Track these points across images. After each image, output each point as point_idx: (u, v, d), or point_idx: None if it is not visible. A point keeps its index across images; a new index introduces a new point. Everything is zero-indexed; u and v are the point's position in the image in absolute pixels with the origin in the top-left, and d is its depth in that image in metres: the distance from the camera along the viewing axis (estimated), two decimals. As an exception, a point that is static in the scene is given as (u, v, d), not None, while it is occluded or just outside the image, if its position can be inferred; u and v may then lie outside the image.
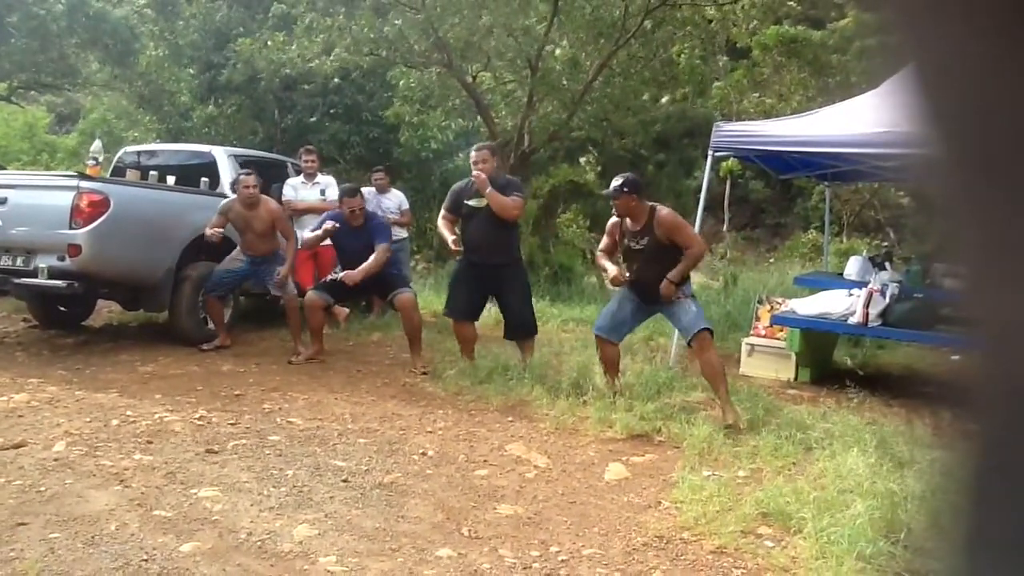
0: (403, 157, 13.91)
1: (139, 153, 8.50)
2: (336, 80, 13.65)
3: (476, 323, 6.00)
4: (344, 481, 3.64)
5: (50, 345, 6.58)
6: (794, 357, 6.39)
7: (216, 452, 3.94)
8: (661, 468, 4.09)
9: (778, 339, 6.52)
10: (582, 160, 17.17)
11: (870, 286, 5.99)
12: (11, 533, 2.90)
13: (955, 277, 0.43)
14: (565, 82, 11.80)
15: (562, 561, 2.96)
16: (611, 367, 5.18)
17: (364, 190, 6.64)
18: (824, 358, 6.76)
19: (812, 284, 7.22)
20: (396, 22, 11.14)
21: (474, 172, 5.58)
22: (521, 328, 5.81)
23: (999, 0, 0.39)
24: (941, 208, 0.45)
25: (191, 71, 14.95)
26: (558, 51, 12.37)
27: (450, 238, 5.70)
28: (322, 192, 7.77)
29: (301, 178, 7.93)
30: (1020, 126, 0.39)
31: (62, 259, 5.96)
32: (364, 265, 6.00)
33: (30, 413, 4.44)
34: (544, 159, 14.79)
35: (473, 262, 5.70)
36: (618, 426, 4.60)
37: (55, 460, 3.69)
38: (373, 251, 6.06)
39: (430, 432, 4.52)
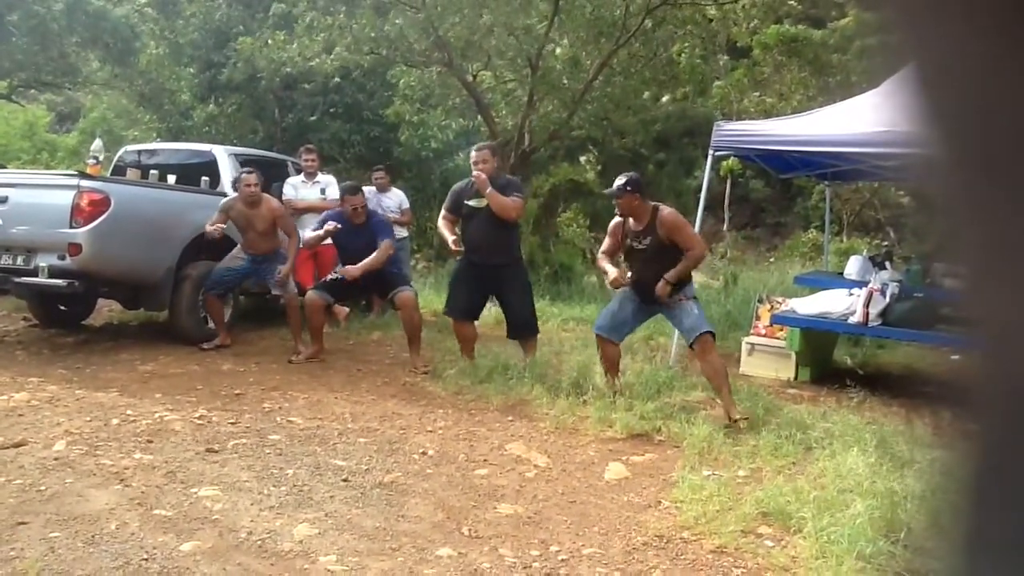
0: (403, 156, 13.91)
1: (139, 152, 8.51)
2: (336, 79, 13.65)
3: (476, 323, 6.00)
4: (344, 480, 3.64)
5: (50, 344, 6.58)
6: (794, 356, 6.39)
7: (216, 451, 3.95)
8: (661, 467, 4.09)
9: (778, 338, 6.52)
10: (582, 159, 17.17)
11: (870, 285, 5.99)
12: (11, 532, 2.90)
13: (955, 277, 0.43)
14: (565, 81, 11.80)
15: (562, 560, 2.96)
16: (611, 366, 5.18)
17: (364, 189, 6.64)
18: (824, 357, 6.77)
19: (812, 283, 7.23)
20: (397, 21, 11.13)
21: (474, 172, 5.58)
22: (523, 327, 5.81)
23: (999, 0, 0.39)
24: (941, 208, 0.45)
25: (191, 70, 14.94)
26: (559, 50, 12.36)
27: (450, 238, 5.70)
28: (322, 191, 7.77)
29: (301, 177, 7.93)
30: (1020, 126, 0.39)
31: (62, 258, 5.96)
32: (366, 260, 6.00)
33: (30, 412, 4.44)
34: (544, 158, 14.79)
35: (473, 262, 5.70)
36: (618, 425, 4.60)
37: (55, 459, 3.69)
38: (375, 249, 6.06)
39: (430, 431, 4.52)
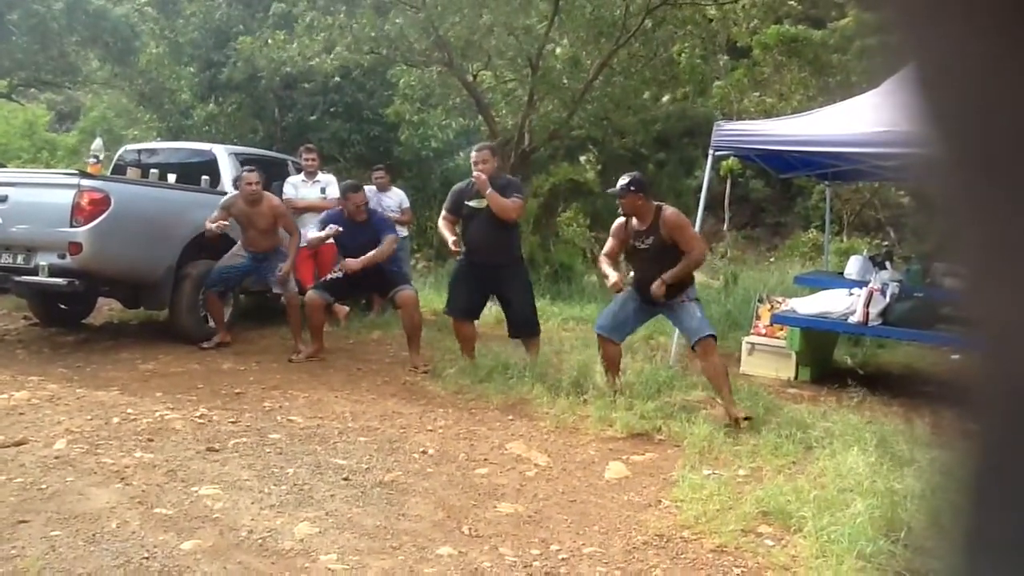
0: (403, 156, 13.90)
1: (140, 151, 8.51)
2: (336, 78, 13.64)
3: (476, 322, 6.00)
4: (345, 479, 3.64)
5: (51, 343, 6.58)
6: (794, 356, 6.39)
7: (217, 450, 3.95)
8: (661, 467, 4.09)
9: (778, 338, 6.52)
10: (582, 159, 17.16)
11: (870, 285, 5.99)
12: (12, 531, 2.90)
13: (955, 277, 0.43)
14: (566, 81, 11.79)
15: (562, 559, 2.96)
16: (612, 366, 5.18)
17: (365, 189, 6.65)
18: (824, 357, 6.77)
19: (812, 283, 7.23)
20: (397, 21, 11.13)
21: (474, 173, 5.58)
22: (524, 327, 5.80)
23: (998, 0, 0.39)
24: (941, 207, 0.45)
25: (191, 69, 14.93)
26: (559, 50, 12.35)
27: (450, 239, 5.71)
28: (322, 190, 7.77)
29: (301, 176, 7.93)
30: (1020, 126, 0.39)
31: (63, 257, 5.97)
32: (369, 254, 6.02)
33: (31, 411, 4.44)
34: (544, 158, 14.78)
35: (474, 262, 5.71)
36: (618, 425, 4.60)
37: (56, 458, 3.69)
38: (378, 246, 6.09)
39: (430, 430, 4.52)
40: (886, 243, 13.55)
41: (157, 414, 4.48)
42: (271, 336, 7.08)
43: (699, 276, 5.26)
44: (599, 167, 17.21)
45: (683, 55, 12.13)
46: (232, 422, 4.45)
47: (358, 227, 6.14)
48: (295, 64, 12.28)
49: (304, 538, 2.98)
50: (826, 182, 8.86)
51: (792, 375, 6.37)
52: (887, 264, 6.56)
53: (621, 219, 5.15)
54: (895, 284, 5.94)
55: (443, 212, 5.87)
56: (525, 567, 2.87)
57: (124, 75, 15.65)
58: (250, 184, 6.41)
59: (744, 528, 3.23)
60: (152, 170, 7.25)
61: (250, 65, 13.01)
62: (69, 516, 3.06)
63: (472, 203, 5.63)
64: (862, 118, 5.52)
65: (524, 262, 6.17)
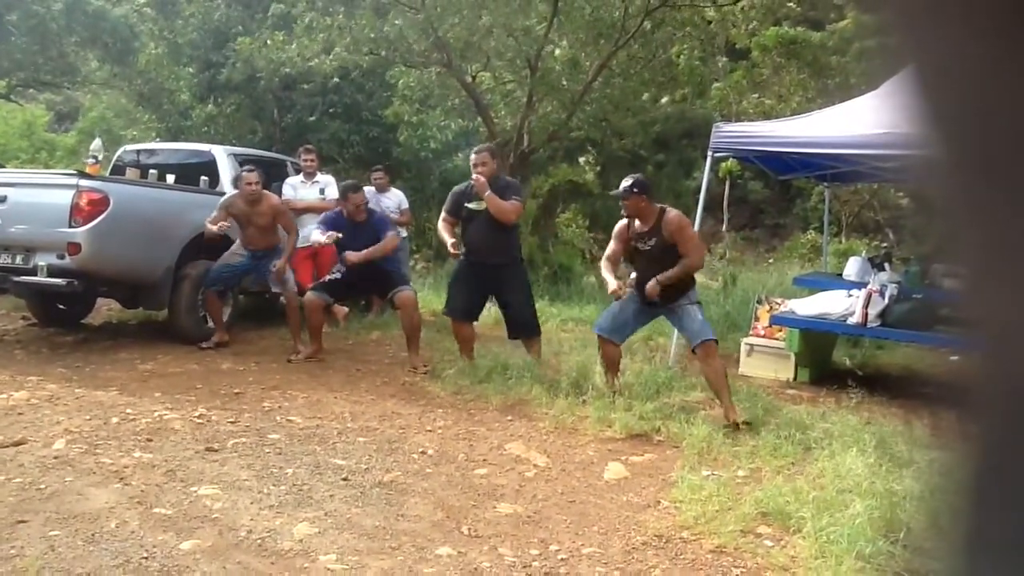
0: (402, 157, 13.90)
1: (139, 152, 8.51)
2: (335, 79, 13.64)
3: (476, 323, 6.00)
4: (344, 479, 3.64)
5: (49, 343, 6.58)
6: (793, 357, 6.39)
7: (216, 450, 3.95)
8: (660, 467, 4.09)
9: (777, 339, 6.53)
10: (581, 160, 17.16)
11: (869, 287, 5.99)
12: (11, 531, 2.90)
13: (954, 278, 0.44)
14: (565, 82, 11.80)
15: (562, 560, 2.96)
16: (611, 367, 5.18)
17: (364, 189, 6.65)
18: (823, 358, 6.77)
19: (811, 284, 7.23)
20: (396, 22, 11.13)
21: (473, 176, 5.58)
22: (524, 328, 5.80)
23: (998, 1, 0.39)
24: (940, 209, 0.45)
25: (190, 70, 14.93)
26: (558, 51, 12.36)
27: (449, 241, 5.71)
28: (321, 191, 7.77)
29: (300, 177, 7.93)
30: (1019, 127, 0.39)
31: (62, 257, 5.97)
32: (370, 248, 6.03)
33: (30, 411, 4.44)
34: (543, 159, 14.79)
35: (473, 263, 5.71)
36: (617, 425, 4.60)
37: (55, 458, 3.69)
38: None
39: (430, 431, 4.52)
40: (885, 244, 13.57)
41: (156, 414, 4.48)
42: (270, 337, 7.08)
43: (698, 277, 5.26)
44: (598, 168, 17.21)
45: (682, 57, 12.13)
46: (231, 422, 4.45)
47: (358, 227, 6.14)
48: (294, 65, 12.29)
49: (303, 538, 2.98)
50: (825, 183, 8.87)
51: (791, 376, 6.38)
52: (886, 265, 6.56)
53: (623, 221, 5.14)
54: (894, 285, 5.94)
55: (443, 214, 5.88)
56: (524, 567, 2.88)
57: (123, 76, 15.65)
58: (250, 184, 6.42)
59: (743, 529, 3.23)
60: (151, 171, 7.25)
61: (249, 66, 13.01)
62: (68, 516, 3.06)
63: (472, 205, 5.63)
64: (861, 120, 5.53)
65: (523, 263, 6.18)
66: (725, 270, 11.83)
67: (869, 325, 5.92)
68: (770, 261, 15.45)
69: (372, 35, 11.20)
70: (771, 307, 6.75)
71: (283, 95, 14.30)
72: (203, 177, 7.38)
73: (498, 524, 3.27)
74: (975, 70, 0.40)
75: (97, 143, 7.07)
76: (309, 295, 6.21)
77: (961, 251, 0.44)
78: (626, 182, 4.98)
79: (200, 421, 4.43)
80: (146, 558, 2.74)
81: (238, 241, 6.62)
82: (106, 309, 7.95)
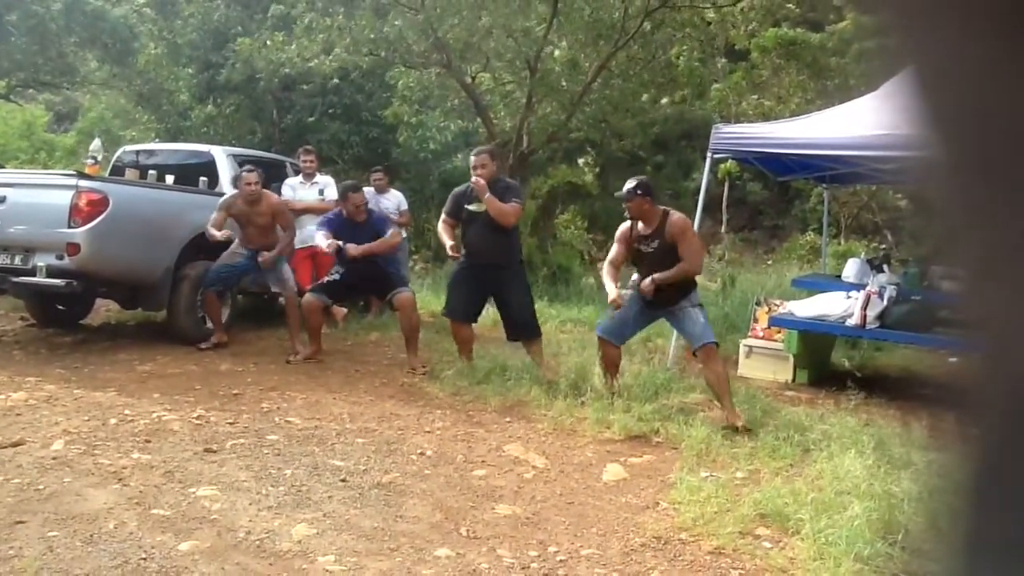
0: (402, 157, 13.91)
1: (138, 152, 8.51)
2: (335, 80, 13.65)
3: (474, 324, 6.00)
4: (342, 481, 3.64)
5: (48, 344, 6.57)
6: (792, 359, 6.40)
7: (214, 451, 3.94)
8: (659, 469, 4.09)
9: (776, 341, 6.53)
10: (580, 161, 17.18)
11: (868, 288, 6.00)
12: (10, 531, 2.90)
13: (953, 280, 0.44)
14: (564, 83, 11.81)
15: (560, 561, 2.96)
16: (611, 368, 5.18)
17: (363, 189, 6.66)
18: (822, 360, 6.77)
19: (810, 286, 7.23)
20: (396, 22, 11.14)
21: (473, 178, 5.58)
22: (523, 329, 5.77)
23: (997, 3, 0.39)
24: (939, 210, 0.45)
25: (190, 70, 14.94)
26: (557, 52, 12.37)
27: (449, 243, 5.70)
28: (320, 192, 7.77)
29: (299, 178, 7.93)
30: (1018, 128, 0.39)
31: (61, 258, 5.96)
32: (371, 243, 6.04)
33: (28, 411, 4.43)
34: (543, 160, 14.80)
35: (474, 264, 5.70)
36: (616, 427, 4.60)
37: (53, 458, 3.68)
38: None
39: (428, 432, 4.52)
40: (884, 246, 13.57)
41: (155, 415, 4.48)
42: (269, 337, 7.08)
43: (697, 279, 5.24)
44: (597, 169, 17.23)
45: (681, 58, 12.15)
46: (230, 423, 4.45)
47: (358, 227, 6.14)
48: (294, 65, 12.30)
49: (302, 539, 2.98)
50: (824, 185, 8.88)
51: (790, 378, 6.38)
52: (885, 267, 6.56)
53: (626, 223, 5.12)
54: (893, 287, 5.95)
55: (443, 215, 5.88)
56: (523, 569, 2.87)
57: (122, 76, 15.65)
58: (249, 184, 6.41)
59: (742, 530, 3.23)
60: (150, 171, 7.25)
61: (249, 66, 13.02)
62: (67, 517, 3.05)
63: (471, 207, 5.63)
64: (860, 121, 5.53)
65: (523, 265, 6.17)
66: (724, 271, 11.83)
67: (868, 327, 5.92)
68: (769, 262, 15.45)
69: (372, 36, 11.21)
70: (770, 308, 6.75)
71: (282, 96, 14.31)
72: (202, 178, 7.38)
73: (496, 525, 3.26)
74: (974, 71, 0.40)
75: (96, 143, 7.07)
76: (308, 296, 6.21)
77: (960, 253, 0.44)
78: (630, 184, 4.97)
79: (199, 422, 4.42)
80: (144, 559, 2.74)
81: (237, 240, 6.61)
82: (105, 310, 7.94)
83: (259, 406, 4.86)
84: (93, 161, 6.63)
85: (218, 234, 6.27)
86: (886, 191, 12.99)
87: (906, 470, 3.73)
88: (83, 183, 6.04)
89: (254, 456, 3.92)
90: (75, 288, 6.03)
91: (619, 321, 5.11)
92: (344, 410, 4.85)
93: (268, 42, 12.69)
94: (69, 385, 5.11)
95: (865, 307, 5.88)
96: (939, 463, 0.47)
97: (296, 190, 7.78)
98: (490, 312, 6.46)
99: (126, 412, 4.50)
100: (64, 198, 5.97)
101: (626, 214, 5.08)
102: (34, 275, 6.00)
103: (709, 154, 6.51)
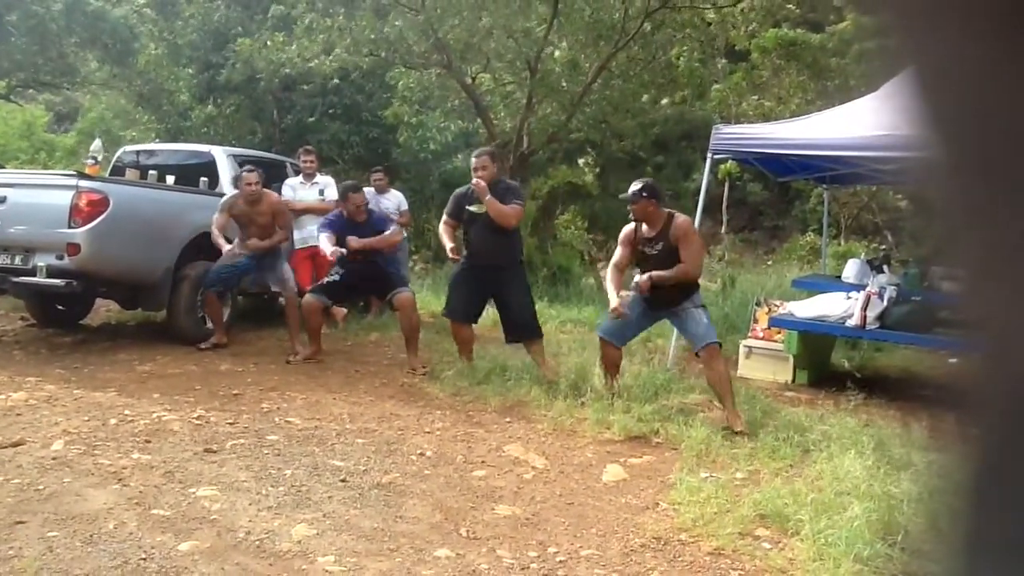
0: (402, 158, 13.92)
1: (138, 152, 8.51)
2: (335, 80, 13.66)
3: (475, 325, 6.00)
4: (342, 481, 3.64)
5: (48, 344, 6.57)
6: (792, 359, 6.40)
7: (214, 451, 3.94)
8: (659, 469, 4.09)
9: (776, 341, 6.53)
10: (581, 162, 17.18)
11: (868, 289, 6.00)
12: (9, 531, 2.90)
13: (953, 280, 0.44)
14: (564, 84, 11.81)
15: (560, 562, 2.96)
16: (612, 369, 5.17)
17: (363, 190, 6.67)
18: (822, 360, 6.77)
19: (810, 286, 7.23)
20: (396, 23, 11.14)
21: (474, 180, 5.59)
22: (525, 330, 5.75)
23: (997, 4, 0.39)
24: (939, 211, 0.45)
25: (190, 71, 14.95)
26: (557, 53, 12.38)
27: (449, 246, 5.70)
28: (321, 192, 7.77)
29: (300, 178, 7.93)
30: (1018, 129, 0.39)
31: (61, 258, 5.96)
32: (373, 238, 6.06)
33: (28, 411, 4.43)
34: (543, 160, 14.80)
35: (475, 265, 5.71)
36: (616, 427, 4.60)
37: (53, 459, 3.68)
38: (379, 246, 6.19)
39: (428, 432, 4.52)
40: (884, 247, 13.58)
41: (155, 415, 4.48)
42: (268, 338, 7.07)
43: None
44: (597, 170, 17.24)
45: (682, 58, 12.15)
46: (230, 423, 4.45)
47: (359, 228, 6.15)
48: (294, 66, 12.30)
49: (302, 539, 2.98)
50: (824, 185, 8.88)
51: (789, 378, 6.38)
52: (885, 268, 6.57)
53: (630, 225, 5.10)
54: (893, 288, 5.95)
55: (444, 217, 5.88)
56: (522, 569, 2.88)
57: (123, 76, 15.66)
58: (250, 184, 6.42)
59: (741, 531, 3.23)
60: (151, 171, 7.25)
61: (249, 67, 13.02)
62: (66, 517, 3.05)
63: (472, 208, 5.63)
64: (860, 122, 5.53)
65: (524, 265, 6.17)
66: (724, 272, 11.83)
67: (868, 327, 5.92)
68: (769, 263, 15.45)
69: (372, 36, 11.21)
70: (770, 309, 6.75)
71: (283, 96, 14.32)
72: (203, 178, 7.38)
73: (496, 526, 3.26)
74: (974, 72, 0.40)
75: (97, 144, 7.07)
76: (308, 297, 6.21)
77: (960, 253, 0.44)
78: (635, 186, 4.95)
79: (199, 422, 4.42)
80: (144, 559, 2.74)
81: (237, 240, 6.61)
82: (105, 310, 7.94)
83: (259, 406, 4.86)
84: (93, 161, 6.63)
85: (225, 245, 6.27)
86: (886, 192, 13.00)
87: (906, 471, 3.73)
88: (83, 183, 6.04)
89: (254, 456, 3.92)
90: (75, 288, 6.03)
91: (621, 322, 5.10)
92: (344, 410, 4.85)
93: (268, 42, 12.70)
94: (69, 385, 5.11)
95: (865, 308, 5.88)
96: (939, 464, 0.47)
97: (296, 190, 7.79)
98: (490, 313, 6.46)
99: (126, 412, 4.50)
100: (64, 198, 5.98)
101: (630, 216, 5.06)
102: (34, 275, 6.00)
103: (709, 155, 6.51)
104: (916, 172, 0.46)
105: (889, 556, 2.89)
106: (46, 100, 22.91)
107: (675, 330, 5.74)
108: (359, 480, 3.67)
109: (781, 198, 18.13)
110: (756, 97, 14.66)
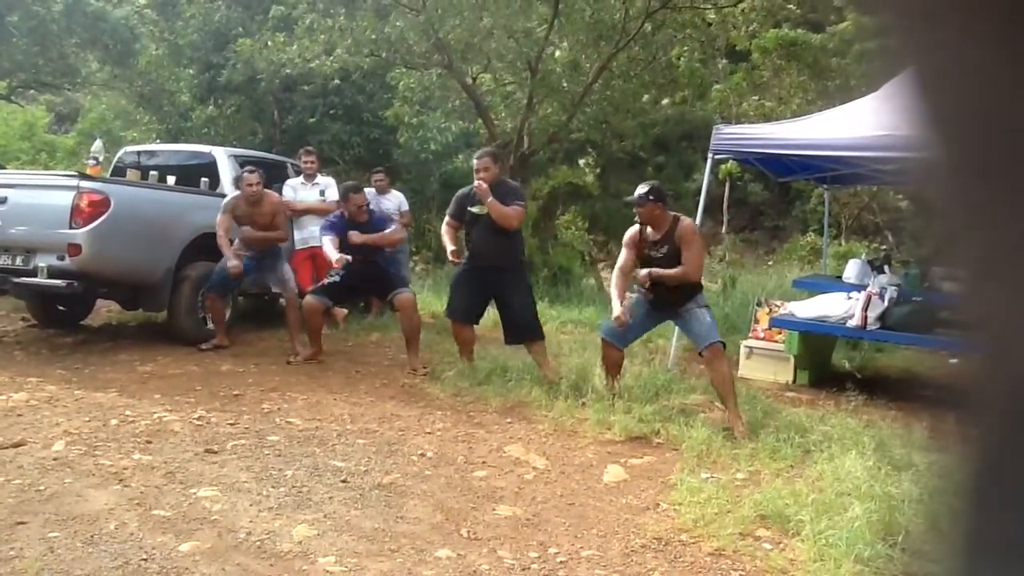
0: (403, 158, 13.92)
1: (139, 153, 8.51)
2: (336, 81, 13.65)
3: (476, 325, 6.00)
4: (343, 481, 3.64)
5: (49, 344, 6.58)
6: (792, 360, 6.40)
7: (215, 452, 3.95)
8: (659, 470, 4.09)
9: (777, 342, 6.53)
10: (581, 162, 17.18)
11: (869, 289, 6.00)
12: (10, 532, 2.90)
13: (953, 280, 0.44)
14: (565, 84, 11.81)
15: (560, 562, 2.96)
16: (613, 370, 5.17)
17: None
18: (822, 361, 6.77)
19: (811, 287, 7.23)
20: (397, 23, 11.13)
21: (475, 182, 5.59)
22: (526, 330, 5.74)
23: (997, 4, 0.39)
24: (940, 211, 0.45)
25: (191, 71, 14.95)
26: (558, 53, 12.38)
27: (450, 248, 5.70)
28: (321, 193, 7.77)
29: (300, 179, 7.93)
30: (1018, 129, 0.39)
31: (62, 258, 5.97)
32: (374, 235, 6.07)
33: (29, 412, 4.44)
34: (543, 161, 14.79)
35: (477, 265, 5.71)
36: (617, 428, 4.60)
37: (54, 459, 3.69)
38: (380, 246, 6.20)
39: (429, 433, 4.52)
40: (884, 247, 13.57)
41: (155, 416, 4.48)
42: (269, 338, 7.08)
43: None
44: (598, 170, 17.24)
45: (682, 59, 12.15)
46: (231, 424, 4.45)
47: (359, 228, 6.15)
48: (295, 66, 12.29)
49: (302, 540, 2.98)
50: (825, 186, 8.87)
51: (790, 379, 6.38)
52: (885, 268, 6.57)
53: (634, 228, 5.09)
54: (893, 288, 5.94)
55: (446, 218, 5.88)
56: (523, 570, 2.88)
57: (123, 77, 15.66)
58: (251, 185, 6.42)
59: (742, 532, 3.23)
60: (151, 172, 7.25)
61: (249, 67, 13.02)
62: (67, 517, 3.05)
63: (474, 209, 5.63)
64: (861, 122, 5.53)
65: (526, 266, 6.17)
66: (725, 272, 11.83)
67: (868, 328, 5.92)
68: (770, 263, 15.45)
69: (373, 36, 11.20)
70: (771, 309, 6.75)
71: (283, 97, 14.32)
72: (203, 179, 7.39)
73: (497, 526, 3.26)
74: (974, 73, 0.40)
75: (98, 144, 7.07)
76: (308, 298, 6.21)
77: (960, 253, 0.44)
78: (642, 189, 4.94)
79: (199, 423, 4.43)
80: (145, 560, 2.74)
81: (238, 241, 6.61)
82: (106, 311, 7.94)
83: (260, 407, 4.86)
84: (94, 162, 6.63)
85: (232, 259, 6.28)
86: (887, 192, 12.99)
87: (907, 471, 3.73)
88: (84, 184, 6.05)
89: (255, 457, 3.92)
90: (76, 289, 6.03)
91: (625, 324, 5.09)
92: (345, 411, 4.86)
93: (269, 43, 12.69)
94: (70, 386, 5.11)
95: (866, 308, 5.88)
96: (940, 464, 0.47)
97: (297, 191, 7.79)
98: (491, 313, 6.46)
99: (127, 413, 4.51)
100: (65, 199, 5.98)
101: (636, 219, 5.04)
102: (35, 276, 6.01)
103: (710, 155, 6.51)
104: (916, 172, 0.46)
105: (890, 557, 2.89)
106: (47, 101, 22.91)
107: (676, 331, 5.74)
108: (360, 481, 3.67)
109: (782, 198, 18.12)
110: (757, 97, 14.66)
